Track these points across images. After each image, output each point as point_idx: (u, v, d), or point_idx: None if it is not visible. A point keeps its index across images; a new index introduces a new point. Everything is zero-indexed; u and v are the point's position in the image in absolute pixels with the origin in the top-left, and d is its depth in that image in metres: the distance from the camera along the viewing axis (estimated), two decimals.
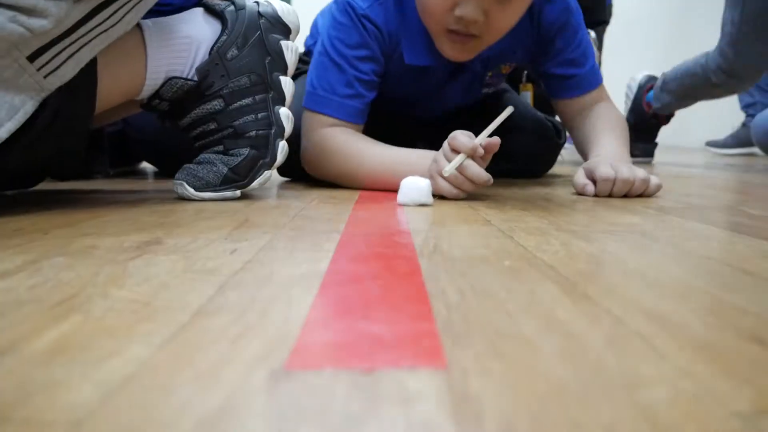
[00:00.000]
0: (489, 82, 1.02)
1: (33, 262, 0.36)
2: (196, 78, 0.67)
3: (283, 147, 0.71)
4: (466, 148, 0.68)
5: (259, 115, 0.70)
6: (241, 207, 0.63)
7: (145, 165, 1.36)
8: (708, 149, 2.76)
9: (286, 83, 0.72)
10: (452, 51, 0.82)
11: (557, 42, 0.94)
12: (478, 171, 0.69)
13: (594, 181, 0.78)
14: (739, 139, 2.67)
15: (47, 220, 0.53)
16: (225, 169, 0.68)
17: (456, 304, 0.28)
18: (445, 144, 0.71)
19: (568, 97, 0.97)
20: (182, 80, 0.66)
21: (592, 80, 0.97)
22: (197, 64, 0.67)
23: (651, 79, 1.80)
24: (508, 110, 0.74)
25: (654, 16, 3.81)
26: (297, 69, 0.78)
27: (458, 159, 0.68)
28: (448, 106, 1.04)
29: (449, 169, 0.67)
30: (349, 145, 0.83)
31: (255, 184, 0.70)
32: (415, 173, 0.69)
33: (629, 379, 0.20)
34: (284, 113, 0.71)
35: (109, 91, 0.62)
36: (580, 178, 0.80)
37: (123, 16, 0.56)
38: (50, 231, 0.47)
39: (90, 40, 0.54)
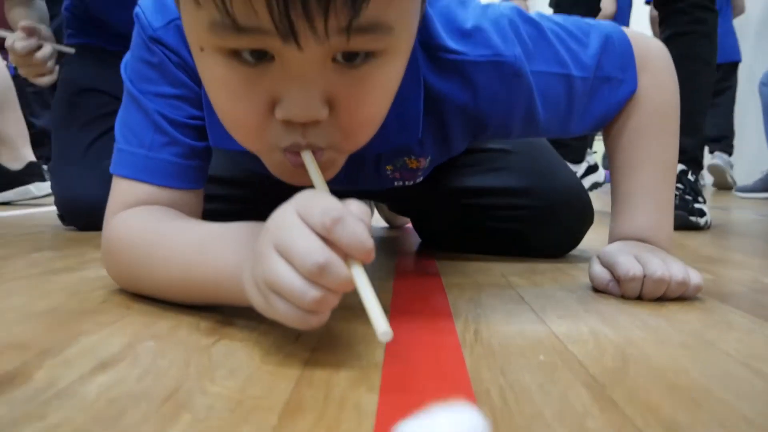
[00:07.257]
0: (395, 177, 0.69)
1: (129, 346, 0.42)
2: None
3: None
4: (367, 251, 0.35)
5: None
6: None
7: None
8: (737, 194, 2.76)
9: None
10: (297, 178, 0.47)
11: (516, 123, 0.64)
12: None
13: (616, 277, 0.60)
14: None
15: (124, 290, 0.58)
16: None
17: (500, 409, 0.33)
18: (294, 221, 0.35)
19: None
20: None
21: (617, 93, 0.65)
22: None
23: None
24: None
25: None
26: None
27: (359, 271, 0.35)
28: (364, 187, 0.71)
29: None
30: (143, 232, 0.52)
31: None
32: (226, 272, 0.43)
33: None
34: None
35: None
36: (599, 272, 0.63)
37: None
38: (132, 305, 0.53)
39: None
